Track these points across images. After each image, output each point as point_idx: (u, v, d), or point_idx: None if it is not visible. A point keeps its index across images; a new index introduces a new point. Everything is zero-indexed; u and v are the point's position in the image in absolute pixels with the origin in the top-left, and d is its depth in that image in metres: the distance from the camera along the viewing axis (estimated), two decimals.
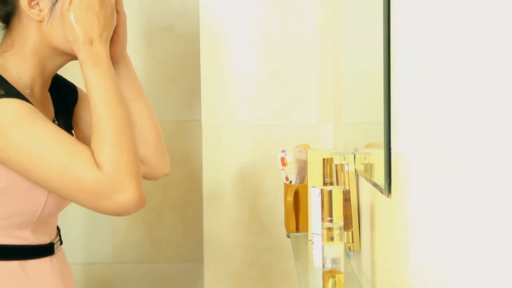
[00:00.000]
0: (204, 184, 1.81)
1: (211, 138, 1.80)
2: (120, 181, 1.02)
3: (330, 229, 1.03)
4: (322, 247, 1.04)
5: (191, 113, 2.13)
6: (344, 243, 1.24)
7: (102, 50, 1.13)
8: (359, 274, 1.25)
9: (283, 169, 1.56)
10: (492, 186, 0.55)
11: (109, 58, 1.13)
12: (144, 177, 1.26)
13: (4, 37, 1.19)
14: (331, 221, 1.03)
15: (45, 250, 1.14)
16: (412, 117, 0.84)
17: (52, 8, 1.12)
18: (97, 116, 1.08)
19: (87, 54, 1.11)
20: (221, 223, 1.81)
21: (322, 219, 1.04)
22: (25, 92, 1.13)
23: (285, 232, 1.58)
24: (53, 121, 1.21)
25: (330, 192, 1.03)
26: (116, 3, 1.19)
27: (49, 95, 1.24)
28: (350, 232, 1.25)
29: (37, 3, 1.12)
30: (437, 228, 0.73)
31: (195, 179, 2.20)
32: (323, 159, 1.37)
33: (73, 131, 1.27)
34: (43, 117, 1.05)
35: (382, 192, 0.99)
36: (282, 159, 1.55)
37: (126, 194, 1.02)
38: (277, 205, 1.76)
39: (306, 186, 1.47)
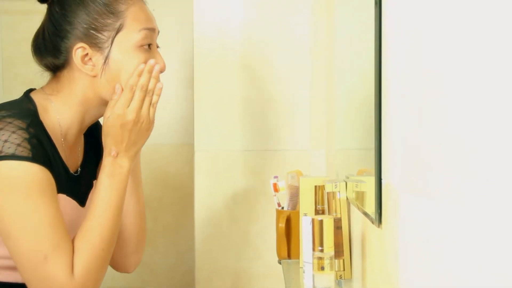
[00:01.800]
0: (196, 209, 1.80)
1: (204, 163, 1.79)
2: None
3: (320, 258, 1.03)
4: (312, 276, 1.04)
5: (184, 137, 2.13)
6: (335, 271, 1.23)
7: (125, 163, 1.16)
8: None
9: (275, 195, 1.56)
10: (484, 216, 0.55)
11: (130, 171, 1.17)
12: (115, 269, 1.32)
13: (51, 81, 1.21)
14: (322, 250, 1.03)
15: None
16: (403, 147, 0.84)
17: (105, 63, 1.15)
18: (91, 223, 1.11)
19: (109, 163, 1.15)
20: (213, 248, 1.80)
21: (313, 248, 1.04)
22: (58, 139, 1.15)
23: (277, 258, 1.58)
24: (77, 171, 1.23)
25: (321, 222, 1.03)
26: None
27: (82, 140, 1.26)
28: (341, 260, 1.25)
29: (90, 59, 1.16)
30: (427, 259, 0.73)
31: (187, 203, 2.19)
32: (315, 186, 1.36)
33: (94, 182, 1.27)
34: (51, 193, 1.07)
35: (373, 222, 0.99)
36: (275, 185, 1.54)
37: None
38: (269, 231, 1.75)
39: (298, 212, 1.46)
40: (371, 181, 1.00)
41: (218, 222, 1.80)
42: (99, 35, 1.14)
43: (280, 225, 1.48)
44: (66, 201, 1.15)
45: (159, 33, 1.24)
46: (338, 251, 1.23)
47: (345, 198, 1.26)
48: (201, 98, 1.80)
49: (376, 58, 0.96)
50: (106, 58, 1.15)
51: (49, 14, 1.19)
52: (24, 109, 1.11)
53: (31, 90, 1.21)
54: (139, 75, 1.15)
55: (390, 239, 0.91)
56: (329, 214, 1.27)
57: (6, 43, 2.20)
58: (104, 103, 1.19)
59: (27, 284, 1.07)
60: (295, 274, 1.38)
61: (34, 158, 1.04)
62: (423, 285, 0.75)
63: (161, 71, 1.21)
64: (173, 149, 2.19)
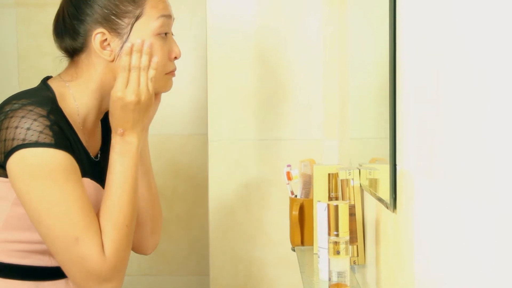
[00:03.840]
0: (210, 198, 1.83)
1: (217, 153, 1.82)
2: (114, 273, 1.10)
3: (336, 243, 1.05)
4: (328, 260, 1.06)
5: (198, 127, 2.15)
6: (349, 257, 1.26)
7: (134, 139, 1.17)
8: (364, 287, 1.26)
9: (288, 184, 1.58)
10: (501, 200, 0.56)
11: (139, 147, 1.19)
12: (133, 251, 1.33)
13: (69, 67, 1.23)
14: (337, 235, 1.05)
15: (61, 273, 1.16)
16: (418, 133, 0.86)
17: (122, 47, 1.17)
18: (110, 203, 1.13)
19: (117, 141, 1.16)
20: (227, 236, 1.82)
21: (329, 233, 1.06)
22: (77, 125, 1.17)
23: (291, 246, 1.60)
24: (97, 156, 1.25)
25: (336, 207, 1.05)
26: (156, 93, 1.22)
27: (100, 125, 1.29)
28: (355, 246, 1.27)
29: (108, 44, 1.18)
30: (442, 244, 0.75)
31: (201, 193, 2.22)
32: (329, 174, 1.38)
33: None
34: (76, 177, 1.10)
35: (387, 207, 1.01)
36: (288, 173, 1.56)
37: (112, 285, 1.11)
38: (282, 219, 1.77)
39: (311, 200, 1.48)
40: (385, 168, 1.02)
41: (232, 210, 1.82)
42: (119, 21, 1.16)
43: (293, 212, 1.50)
44: (90, 184, 1.17)
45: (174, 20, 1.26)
46: (352, 237, 1.25)
47: (359, 185, 1.28)
48: (214, 88, 1.82)
49: (391, 47, 0.98)
50: (125, 43, 1.17)
51: None
52: (43, 97, 1.13)
53: (48, 77, 1.23)
54: (128, 54, 1.16)
55: (405, 224, 0.93)
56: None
57: (22, 35, 2.23)
58: None
59: (62, 266, 1.10)
60: (308, 260, 1.40)
61: (57, 144, 1.06)
62: (438, 270, 0.77)
63: (176, 57, 1.23)
64: (186, 139, 2.21)
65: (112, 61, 1.17)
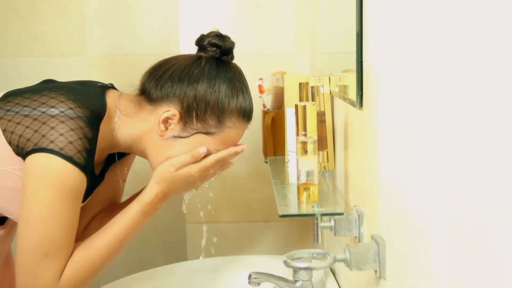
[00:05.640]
0: None
1: None
2: None
3: (304, 143, 1.07)
4: (296, 161, 1.08)
5: (169, 47, 2.12)
6: (320, 162, 1.28)
7: (160, 207, 1.19)
8: (334, 190, 1.30)
9: (260, 97, 1.59)
10: (463, 95, 0.57)
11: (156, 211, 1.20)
12: None
13: (132, 99, 1.21)
14: (305, 135, 1.06)
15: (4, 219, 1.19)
16: (384, 28, 0.86)
17: (175, 137, 1.17)
18: (101, 241, 1.12)
19: (150, 201, 1.16)
20: None
21: (297, 133, 1.07)
22: (100, 148, 1.16)
23: (264, 159, 1.62)
24: (100, 172, 1.27)
25: (304, 107, 1.06)
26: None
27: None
28: (325, 152, 1.29)
29: (170, 124, 1.17)
30: (405, 139, 0.76)
31: None
32: (299, 83, 1.39)
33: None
34: (80, 201, 1.10)
35: (354, 106, 1.02)
36: (260, 86, 1.57)
37: None
38: (255, 134, 1.79)
39: (283, 112, 1.50)
40: (354, 77, 1.02)
41: None
42: (194, 121, 1.16)
43: (266, 121, 1.52)
44: None
45: None
46: (322, 144, 1.27)
47: (329, 92, 1.29)
48: (185, 4, 1.79)
49: None
50: (179, 138, 1.17)
51: (191, 61, 1.20)
52: (95, 114, 1.13)
53: (108, 87, 1.23)
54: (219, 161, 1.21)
55: (370, 119, 0.95)
56: None
57: None
58: (143, 153, 1.23)
59: (16, 267, 1.09)
60: (281, 169, 1.42)
61: (84, 168, 1.07)
62: (400, 166, 0.79)
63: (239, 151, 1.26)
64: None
65: (160, 136, 1.18)
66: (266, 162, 1.58)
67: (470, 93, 0.53)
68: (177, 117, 1.16)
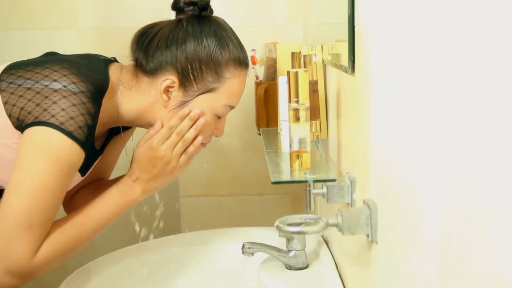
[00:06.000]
0: None
1: None
2: (25, 275, 1.06)
3: (296, 110, 1.06)
4: (289, 128, 1.07)
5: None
6: (312, 132, 1.28)
7: (138, 191, 1.18)
8: (327, 160, 1.29)
9: (253, 68, 1.58)
10: (453, 56, 0.56)
11: (138, 199, 1.19)
12: None
13: (132, 72, 1.20)
14: (297, 101, 1.06)
15: None
16: None
17: (179, 105, 1.16)
18: (78, 221, 1.12)
19: (125, 181, 1.17)
20: None
21: (289, 100, 1.06)
22: (102, 122, 1.15)
23: (257, 131, 1.62)
24: (101, 146, 1.26)
25: (296, 74, 1.05)
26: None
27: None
28: (318, 122, 1.29)
29: (171, 92, 1.16)
30: (397, 102, 0.76)
31: None
32: (292, 53, 1.38)
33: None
34: (72, 176, 1.09)
35: (346, 72, 1.02)
36: (252, 57, 1.56)
37: (14, 282, 1.06)
38: (248, 107, 1.78)
39: (276, 83, 1.49)
40: (347, 45, 1.01)
41: None
42: (193, 83, 1.16)
43: (258, 92, 1.51)
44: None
45: None
46: (315, 114, 1.27)
47: (321, 61, 1.28)
48: None
49: None
50: (183, 103, 1.17)
51: (173, 25, 1.18)
52: (98, 87, 1.11)
53: (111, 61, 1.22)
54: (181, 119, 1.17)
55: (362, 84, 0.94)
56: None
57: None
58: (151, 125, 1.21)
59: None
60: (273, 140, 1.42)
61: (83, 144, 1.06)
62: (392, 132, 0.78)
63: (217, 136, 1.25)
64: None
65: (164, 106, 1.17)
66: (260, 134, 1.57)
67: (457, 58, 0.53)
68: (177, 83, 1.16)
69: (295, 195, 1.85)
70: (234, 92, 1.20)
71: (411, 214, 0.71)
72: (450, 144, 0.56)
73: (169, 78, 1.15)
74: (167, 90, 1.16)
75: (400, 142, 0.74)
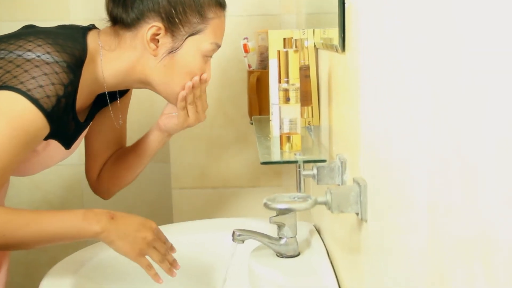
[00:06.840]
0: None
1: None
2: None
3: (286, 90, 1.04)
4: (279, 109, 1.06)
5: None
6: (304, 118, 1.26)
7: (101, 227, 1.07)
8: (318, 145, 1.28)
9: (245, 56, 1.56)
10: (443, 35, 0.55)
11: (90, 233, 1.08)
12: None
13: (110, 33, 1.19)
14: (287, 81, 1.04)
15: None
16: None
17: (171, 52, 1.16)
18: (28, 215, 1.04)
19: (97, 212, 1.08)
20: None
21: (279, 81, 1.05)
22: (84, 91, 1.13)
23: (249, 121, 1.60)
24: (85, 119, 1.24)
25: (286, 53, 1.04)
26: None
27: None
28: (310, 108, 1.27)
29: (158, 40, 1.15)
30: (387, 80, 0.74)
31: None
32: (284, 39, 1.36)
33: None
34: (31, 146, 1.06)
35: (337, 51, 1.00)
36: (245, 45, 1.54)
37: None
38: (241, 97, 1.76)
39: (268, 72, 1.47)
40: (337, 31, 0.99)
41: None
42: (180, 26, 1.16)
43: (251, 80, 1.49)
44: (55, 145, 1.16)
45: None
46: (307, 100, 1.25)
47: (313, 45, 1.27)
48: None
49: None
50: (173, 49, 1.16)
51: None
52: (75, 57, 1.10)
53: (90, 28, 1.20)
54: (184, 100, 1.23)
55: (352, 62, 0.92)
56: None
57: None
58: (143, 82, 1.20)
59: None
60: (265, 127, 1.40)
61: (49, 115, 1.04)
62: (383, 106, 0.76)
63: (206, 81, 1.26)
64: None
65: (154, 56, 1.16)
66: (252, 124, 1.55)
67: (448, 42, 0.51)
68: (163, 29, 1.15)
69: (288, 188, 1.83)
70: (219, 31, 1.22)
71: (400, 191, 0.69)
72: (440, 120, 0.54)
73: (154, 25, 1.14)
74: (153, 38, 1.15)
75: (391, 119, 0.72)
